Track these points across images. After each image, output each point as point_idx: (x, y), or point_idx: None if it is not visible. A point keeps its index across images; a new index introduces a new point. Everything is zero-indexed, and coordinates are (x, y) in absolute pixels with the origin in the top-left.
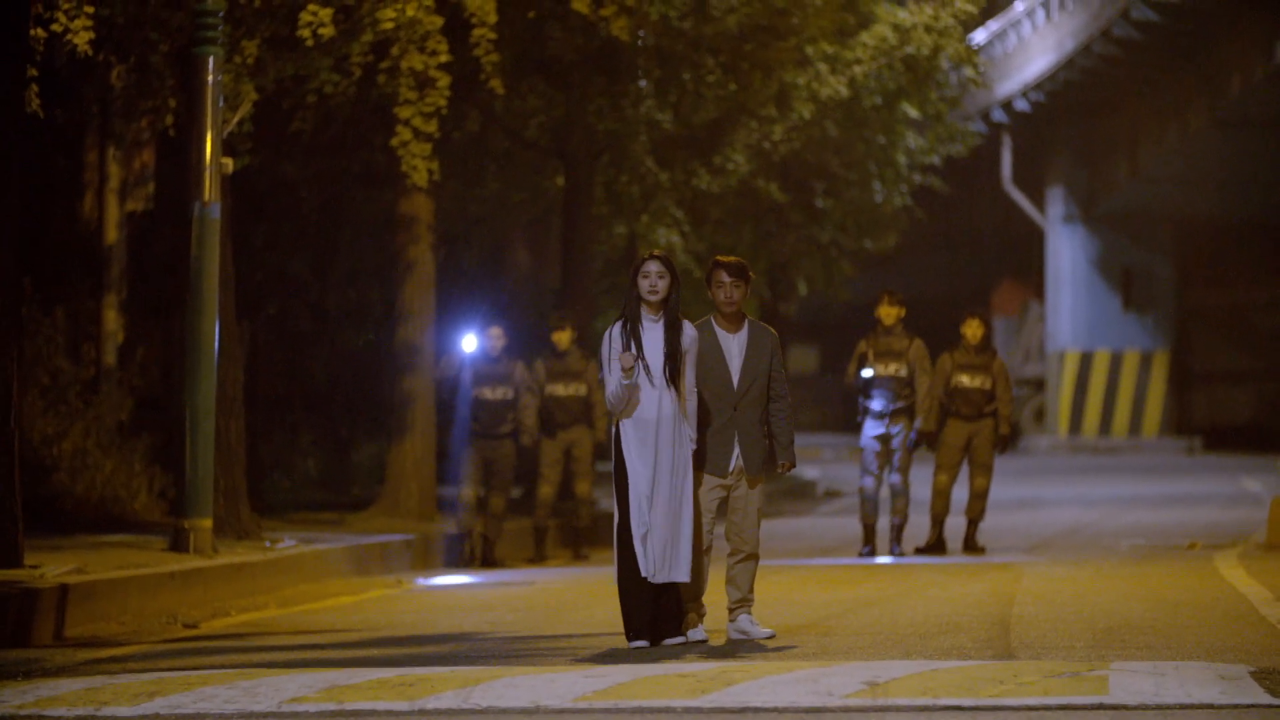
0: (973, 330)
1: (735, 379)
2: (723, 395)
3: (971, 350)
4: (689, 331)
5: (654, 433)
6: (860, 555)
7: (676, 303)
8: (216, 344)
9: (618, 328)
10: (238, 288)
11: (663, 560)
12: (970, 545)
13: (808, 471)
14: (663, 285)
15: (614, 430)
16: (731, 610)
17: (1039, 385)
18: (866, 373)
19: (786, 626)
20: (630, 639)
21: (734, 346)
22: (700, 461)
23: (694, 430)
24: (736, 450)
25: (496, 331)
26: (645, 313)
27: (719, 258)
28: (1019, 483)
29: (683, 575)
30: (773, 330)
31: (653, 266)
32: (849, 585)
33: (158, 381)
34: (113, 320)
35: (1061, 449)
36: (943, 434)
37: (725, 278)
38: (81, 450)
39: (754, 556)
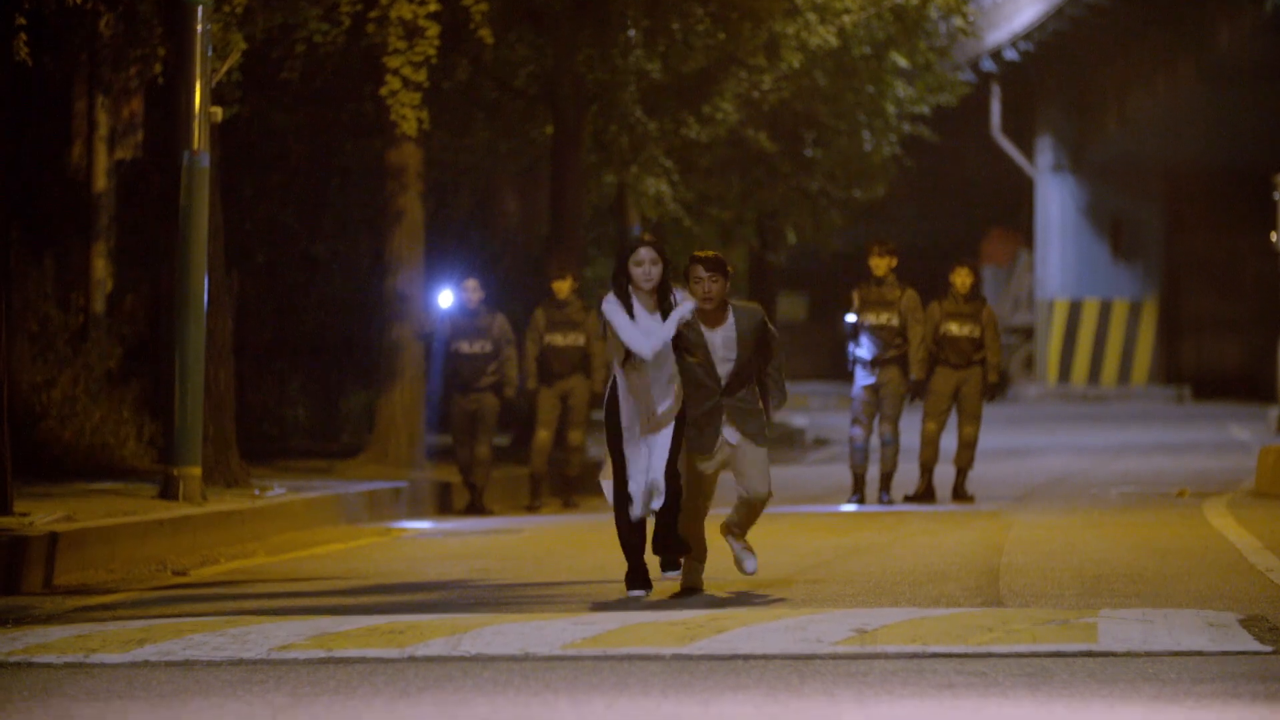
0: (961, 279)
1: (720, 369)
2: (706, 384)
3: (960, 299)
4: (685, 308)
5: (651, 392)
6: (850, 504)
7: (669, 286)
8: (206, 292)
9: (615, 307)
10: (227, 237)
11: (644, 498)
12: (959, 493)
13: (796, 419)
14: (656, 272)
15: (611, 381)
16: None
17: (1028, 334)
18: (850, 317)
19: (776, 574)
20: (628, 588)
21: (717, 340)
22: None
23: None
24: (725, 430)
25: (473, 284)
26: (638, 297)
27: (696, 253)
28: (1008, 431)
29: (659, 501)
30: (757, 307)
31: (645, 254)
32: (838, 533)
33: (147, 329)
34: (102, 268)
35: (1050, 397)
36: (931, 382)
37: (702, 273)
38: (70, 398)
39: (763, 503)
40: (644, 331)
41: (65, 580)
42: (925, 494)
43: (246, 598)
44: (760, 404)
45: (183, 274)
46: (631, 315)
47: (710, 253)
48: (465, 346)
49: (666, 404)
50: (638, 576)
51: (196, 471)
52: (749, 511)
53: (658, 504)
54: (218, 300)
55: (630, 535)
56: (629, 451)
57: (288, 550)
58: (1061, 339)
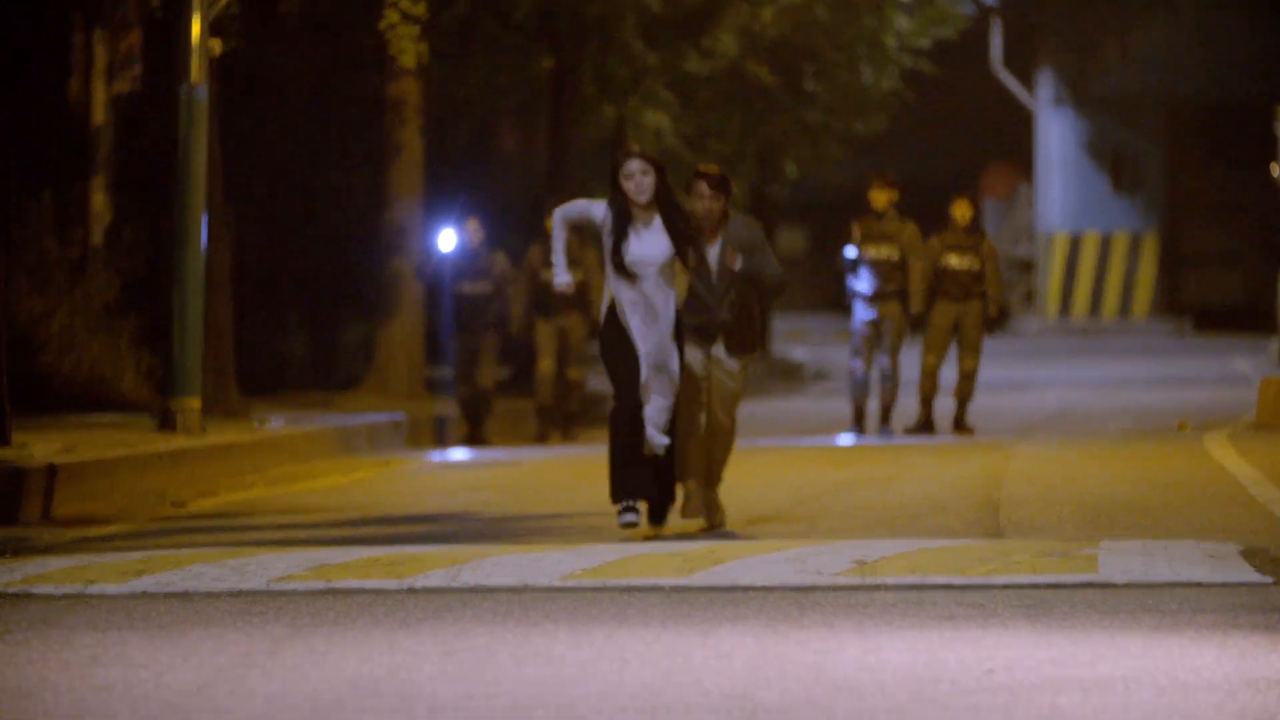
0: (961, 211)
1: (715, 280)
2: (703, 297)
3: (960, 231)
4: (681, 232)
5: (653, 312)
6: (849, 436)
7: (670, 196)
8: (204, 226)
9: (610, 218)
10: (225, 170)
11: (659, 427)
12: (960, 426)
13: (796, 353)
14: (648, 183)
15: (607, 307)
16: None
17: (1028, 267)
18: (850, 251)
19: (775, 506)
20: (621, 512)
21: (713, 254)
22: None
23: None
24: (720, 342)
25: (474, 224)
26: (635, 212)
27: (701, 168)
28: (1009, 364)
29: (664, 440)
30: (754, 221)
31: (634, 165)
32: (838, 466)
33: (145, 263)
34: (100, 202)
35: (1051, 331)
36: (930, 315)
37: (705, 190)
38: (69, 330)
39: (728, 432)
40: (639, 242)
41: (64, 512)
42: (925, 426)
43: (245, 529)
44: (754, 325)
45: (181, 207)
46: (626, 231)
47: (715, 169)
48: (467, 287)
49: (659, 327)
50: (632, 495)
51: (195, 404)
52: (714, 446)
53: (665, 441)
54: (216, 233)
55: (624, 455)
56: (644, 364)
57: (287, 482)
58: (1062, 272)
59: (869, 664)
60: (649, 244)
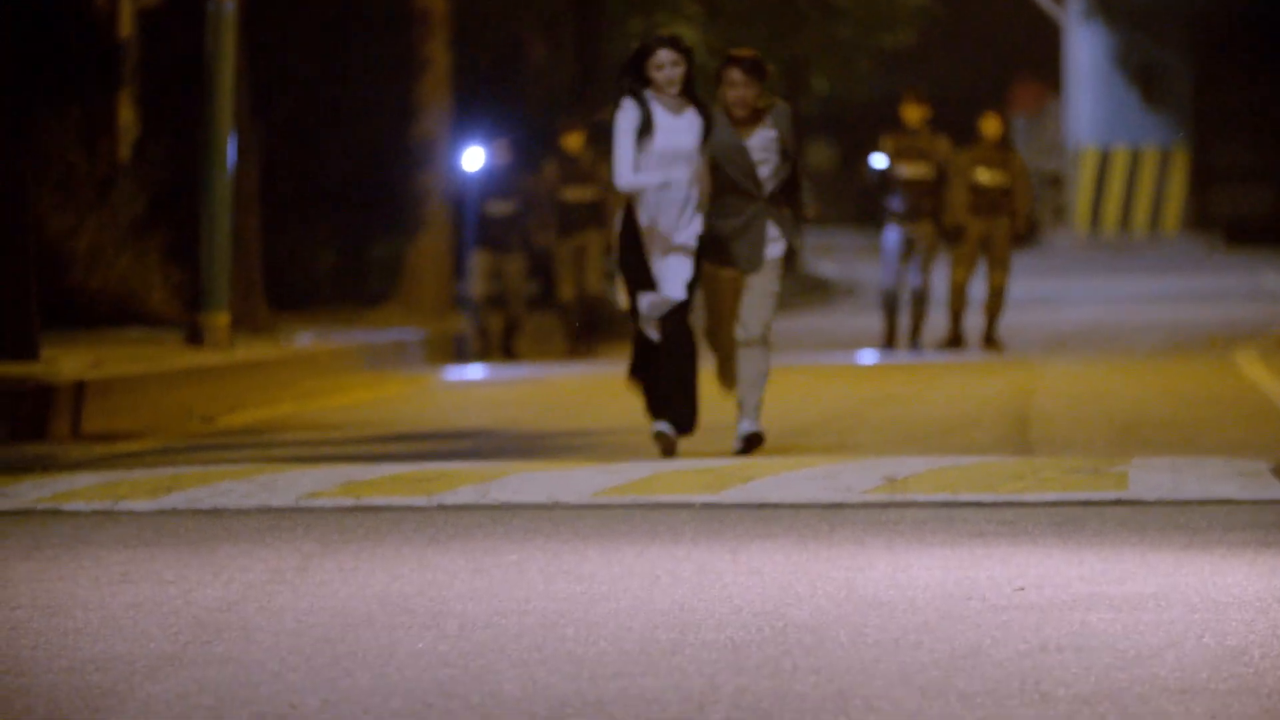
0: (991, 126)
1: (759, 171)
2: (747, 189)
3: (990, 147)
4: (707, 119)
5: (675, 213)
6: (879, 351)
7: (694, 88)
8: (232, 140)
9: (628, 117)
10: (252, 84)
11: (684, 284)
12: (990, 341)
13: (825, 268)
14: (679, 73)
15: (624, 216)
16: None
17: (1057, 183)
18: (880, 161)
19: (805, 423)
20: (654, 424)
21: (754, 144)
22: (725, 259)
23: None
24: (770, 238)
25: (503, 143)
26: (661, 101)
27: (732, 52)
28: (1039, 280)
29: (680, 293)
30: (784, 104)
31: (666, 55)
32: (868, 382)
33: (173, 178)
34: (127, 116)
35: (1081, 246)
36: (961, 235)
37: (737, 76)
38: (97, 246)
39: (763, 344)
40: (667, 132)
41: (92, 428)
42: (955, 341)
43: (274, 445)
44: (795, 218)
45: (208, 122)
46: (650, 124)
47: (748, 52)
48: (494, 207)
49: (684, 232)
50: (665, 410)
51: (223, 319)
52: (745, 366)
53: (679, 295)
54: (244, 148)
55: (655, 369)
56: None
57: (315, 398)
58: (1091, 187)
59: (899, 581)
60: (678, 135)
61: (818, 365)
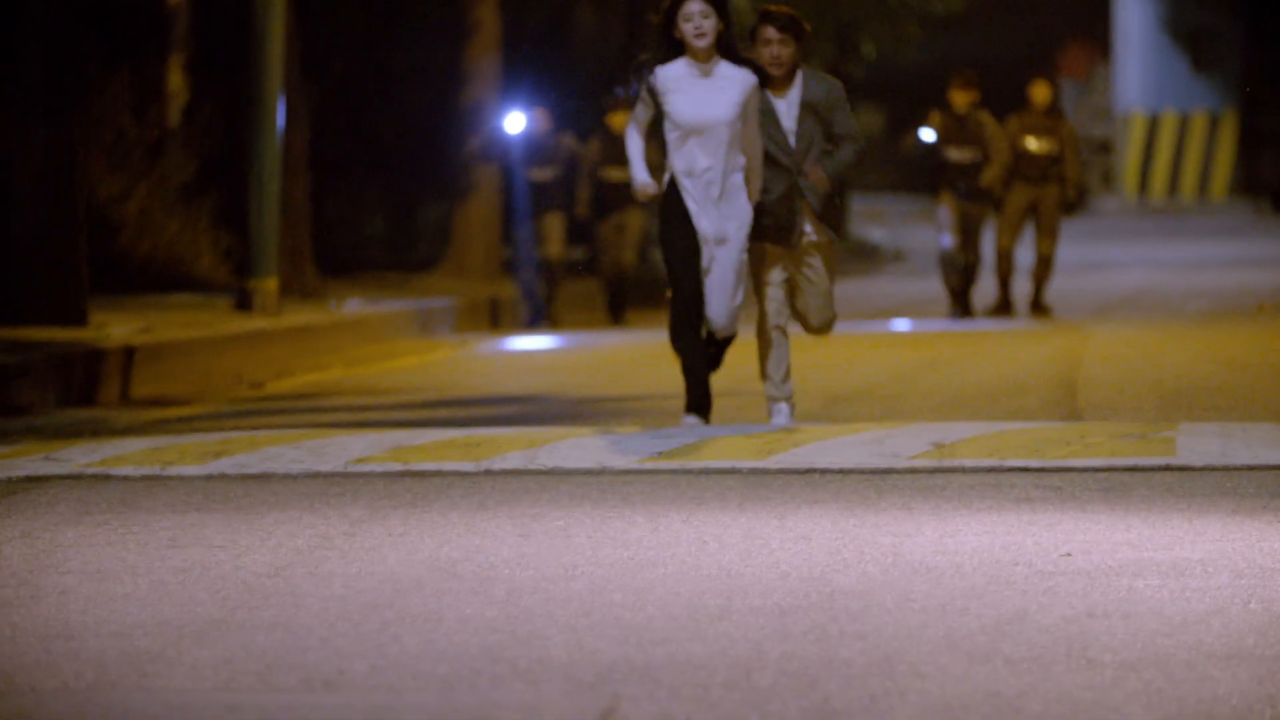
0: (1040, 93)
1: (792, 141)
2: (780, 160)
3: (1039, 114)
4: (749, 78)
5: (717, 186)
6: (951, 318)
7: (733, 43)
8: (281, 104)
9: (658, 75)
10: (302, 48)
11: (728, 312)
12: (1038, 307)
13: (874, 233)
14: (709, 26)
15: (667, 182)
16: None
17: (1106, 148)
18: (929, 136)
19: (853, 388)
20: (686, 414)
21: (783, 107)
22: (759, 232)
23: (757, 190)
24: (802, 217)
25: (542, 113)
26: (691, 59)
27: (767, 7)
28: (1086, 245)
29: (733, 325)
30: (834, 79)
31: (694, 6)
32: (914, 348)
33: (223, 142)
34: (177, 81)
35: (1129, 211)
36: (1007, 196)
37: (772, 34)
38: (146, 211)
39: (826, 334)
40: (696, 101)
41: (141, 392)
42: (1003, 307)
43: (322, 410)
44: (839, 200)
45: (257, 87)
46: (681, 88)
47: (782, 8)
48: (536, 174)
49: (722, 222)
50: (697, 400)
51: (272, 284)
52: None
53: (732, 328)
54: (293, 112)
55: (690, 356)
56: (704, 246)
57: (363, 363)
58: (1140, 153)
59: (946, 547)
60: (709, 102)
61: (864, 332)
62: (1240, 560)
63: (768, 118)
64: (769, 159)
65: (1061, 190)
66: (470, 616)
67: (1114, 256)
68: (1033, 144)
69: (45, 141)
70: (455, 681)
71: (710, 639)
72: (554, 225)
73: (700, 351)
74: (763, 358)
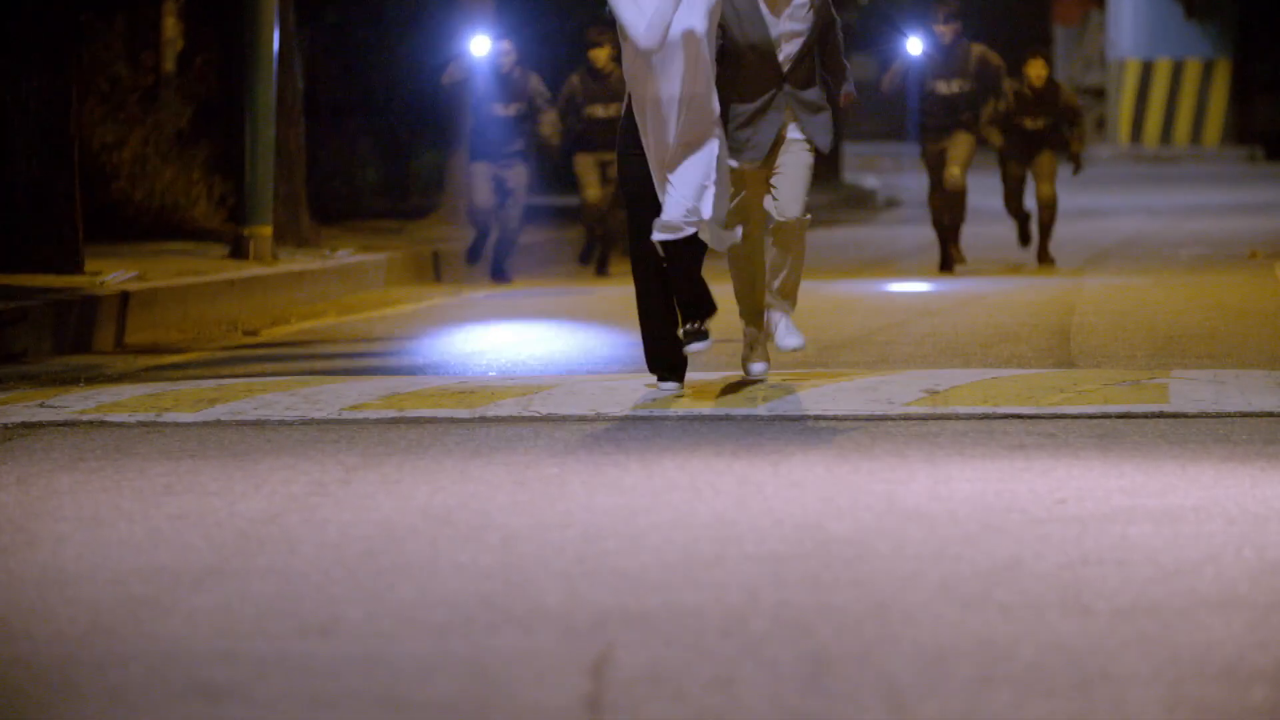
0: (1036, 71)
1: (781, 50)
2: (763, 65)
3: (1034, 91)
4: None
5: (675, 110)
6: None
7: None
8: (275, 51)
9: None
10: None
11: (687, 206)
12: (1043, 256)
13: (867, 180)
14: None
15: (622, 121)
16: (766, 311)
17: (1099, 94)
18: (914, 49)
19: (846, 335)
20: (659, 379)
21: (771, 15)
22: (734, 149)
23: (717, 107)
24: (787, 127)
25: (507, 46)
26: None
27: None
28: (1080, 192)
29: (708, 211)
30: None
31: None
32: (907, 295)
33: (217, 89)
34: (172, 27)
35: (1122, 158)
36: (1005, 168)
37: None
38: (141, 158)
39: (798, 226)
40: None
41: (136, 340)
42: (1025, 238)
43: (317, 358)
44: (828, 102)
45: (252, 33)
46: None
47: None
48: (499, 109)
49: (683, 120)
50: (669, 365)
51: (267, 231)
52: (780, 249)
53: (706, 213)
54: (287, 59)
55: (651, 317)
56: (654, 170)
57: (358, 310)
58: (1133, 100)
59: (940, 494)
60: (676, 6)
61: (859, 273)
62: (1233, 507)
63: (749, 16)
64: (749, 66)
65: (1054, 155)
66: (465, 564)
67: (1107, 203)
68: (1028, 123)
69: (40, 89)
70: (450, 629)
71: (705, 586)
72: (516, 185)
73: (665, 312)
74: (750, 279)
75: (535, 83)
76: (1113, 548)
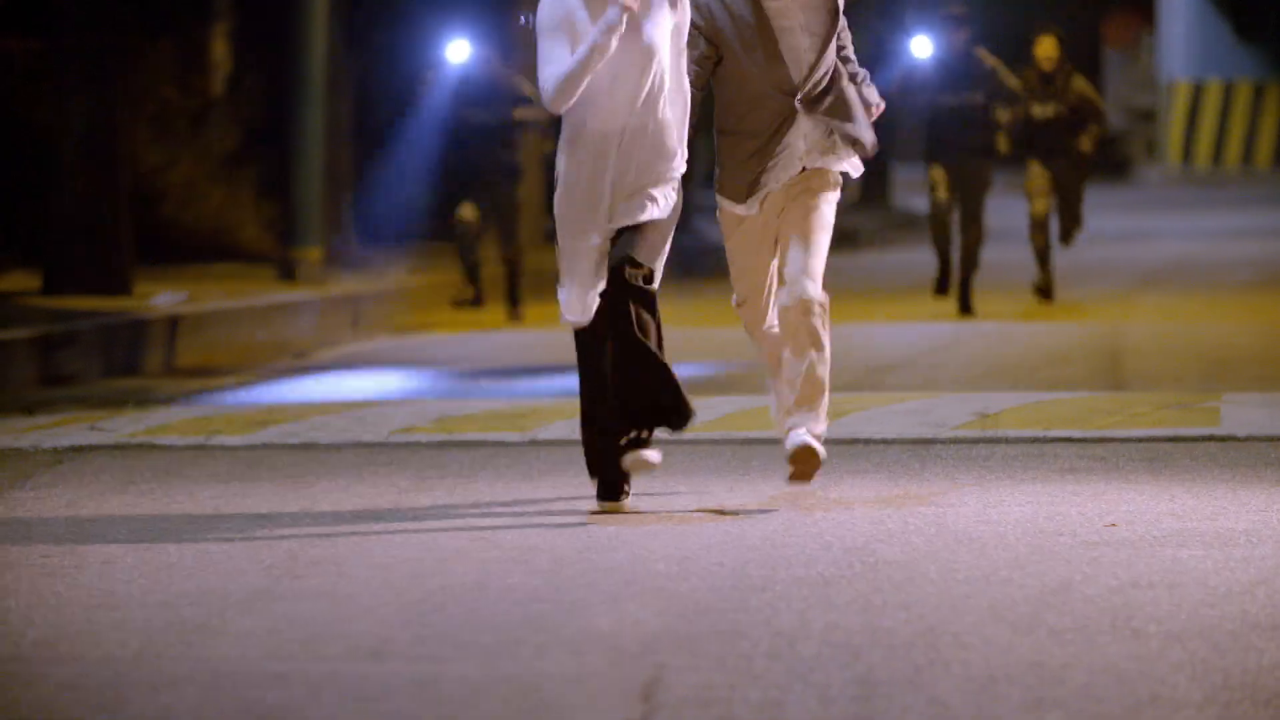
0: (1045, 51)
1: (790, 60)
2: (766, 92)
3: (1043, 73)
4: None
5: (614, 146)
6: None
7: None
8: (324, 74)
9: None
10: (346, 16)
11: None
12: (1066, 237)
13: (917, 203)
14: None
15: (558, 148)
16: (787, 420)
17: (1150, 117)
18: (920, 49)
19: (895, 357)
20: (599, 496)
21: (791, 5)
22: (723, 188)
23: (683, 144)
24: (800, 146)
25: (493, 56)
26: None
27: None
28: (1130, 215)
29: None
30: None
31: None
32: (955, 316)
33: (266, 112)
34: (221, 50)
35: (1173, 181)
36: (1028, 169)
37: None
38: (190, 181)
39: (814, 308)
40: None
41: (185, 362)
42: (1045, 290)
43: (365, 379)
44: (848, 118)
45: (301, 56)
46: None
47: None
48: (479, 115)
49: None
50: (609, 487)
51: (316, 254)
52: (793, 342)
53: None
54: (337, 82)
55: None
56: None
57: (407, 331)
58: (1184, 122)
59: (990, 517)
60: (638, 24)
61: (905, 299)
62: None
63: (756, 28)
64: (751, 91)
65: (1077, 155)
66: (514, 586)
67: (1157, 226)
68: (1038, 110)
69: (86, 111)
70: (499, 651)
71: (754, 609)
72: (506, 212)
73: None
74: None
75: (519, 81)
76: (1163, 571)
